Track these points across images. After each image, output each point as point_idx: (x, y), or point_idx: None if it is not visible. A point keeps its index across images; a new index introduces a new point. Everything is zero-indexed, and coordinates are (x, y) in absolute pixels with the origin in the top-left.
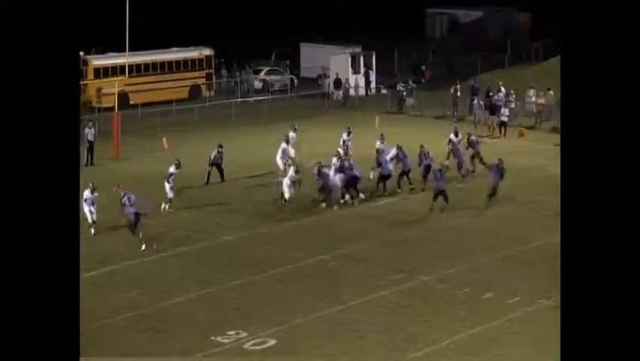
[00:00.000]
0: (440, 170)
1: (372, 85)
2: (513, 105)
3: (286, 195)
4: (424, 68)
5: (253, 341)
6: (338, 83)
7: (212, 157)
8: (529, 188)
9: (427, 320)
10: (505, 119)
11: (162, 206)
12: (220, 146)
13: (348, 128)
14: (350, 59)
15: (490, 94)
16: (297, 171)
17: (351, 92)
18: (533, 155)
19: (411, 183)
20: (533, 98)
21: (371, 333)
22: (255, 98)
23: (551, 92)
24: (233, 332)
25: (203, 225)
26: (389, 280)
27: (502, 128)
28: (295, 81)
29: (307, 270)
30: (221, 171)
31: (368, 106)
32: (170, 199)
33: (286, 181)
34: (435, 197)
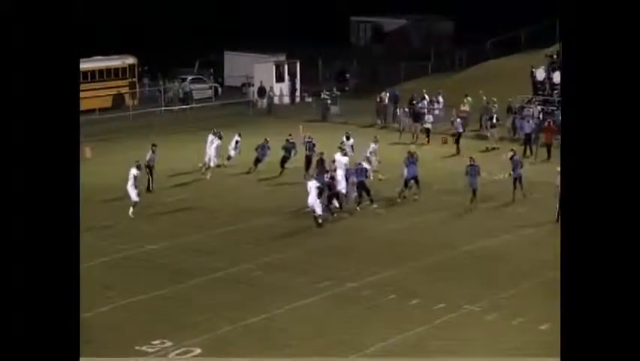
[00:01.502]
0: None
1: (297, 93)
2: (437, 112)
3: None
4: (347, 76)
5: (178, 351)
6: (262, 92)
7: (147, 159)
8: (456, 194)
9: (353, 326)
10: (429, 125)
11: (130, 210)
12: (154, 145)
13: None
14: (274, 67)
15: (414, 102)
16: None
17: (276, 100)
18: (459, 161)
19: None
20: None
21: (297, 341)
22: (178, 107)
23: (469, 98)
24: (158, 341)
25: (128, 233)
26: (315, 288)
27: (428, 135)
28: (219, 90)
29: (232, 279)
30: (151, 177)
31: (292, 114)
32: (135, 203)
33: None
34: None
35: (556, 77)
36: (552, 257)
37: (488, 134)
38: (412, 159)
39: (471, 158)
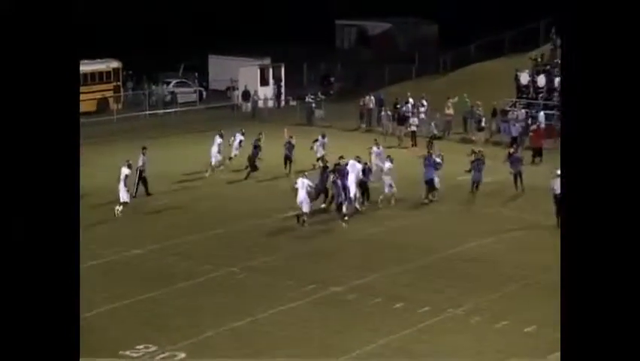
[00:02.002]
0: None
1: (282, 97)
2: (423, 115)
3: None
4: (332, 79)
5: (162, 355)
6: (247, 95)
7: (140, 163)
8: (441, 197)
9: (338, 330)
10: (414, 128)
11: (116, 210)
12: (144, 148)
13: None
14: (259, 71)
15: (398, 105)
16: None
17: (260, 104)
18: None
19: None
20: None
21: (282, 344)
22: (163, 111)
23: (455, 98)
24: (142, 346)
25: (114, 237)
26: (300, 292)
27: (414, 139)
28: (204, 93)
29: (217, 282)
30: (145, 183)
31: (277, 118)
32: (125, 203)
33: None
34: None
35: (541, 80)
36: (537, 260)
37: (474, 138)
38: (428, 161)
39: (475, 152)
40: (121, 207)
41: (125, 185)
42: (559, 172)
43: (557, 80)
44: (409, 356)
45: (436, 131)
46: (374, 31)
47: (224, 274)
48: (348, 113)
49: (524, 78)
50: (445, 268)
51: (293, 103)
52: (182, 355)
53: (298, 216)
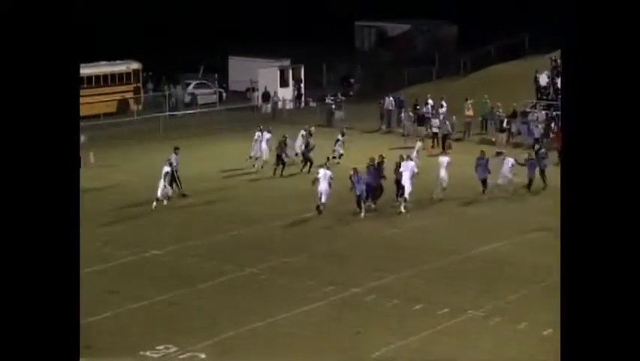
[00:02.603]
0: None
1: (302, 98)
2: (442, 117)
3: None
4: (352, 81)
5: (183, 356)
6: (266, 97)
7: (174, 162)
8: (459, 199)
9: (357, 331)
10: (435, 130)
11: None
12: (176, 148)
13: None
14: (279, 72)
15: (418, 107)
16: None
17: (280, 105)
18: (462, 166)
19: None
20: (467, 111)
21: (302, 345)
22: (183, 112)
23: (471, 101)
24: (162, 347)
25: (132, 238)
26: (320, 293)
27: (434, 140)
28: (224, 95)
29: (237, 283)
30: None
31: (297, 119)
32: (169, 196)
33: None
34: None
35: (561, 82)
36: (555, 262)
37: (493, 139)
38: (481, 161)
39: (482, 151)
40: (163, 201)
41: (165, 182)
42: None
43: None
44: (428, 357)
45: (450, 130)
46: (393, 32)
47: (245, 275)
48: (369, 115)
49: (543, 79)
50: (463, 270)
51: (313, 104)
52: (203, 355)
53: (318, 206)
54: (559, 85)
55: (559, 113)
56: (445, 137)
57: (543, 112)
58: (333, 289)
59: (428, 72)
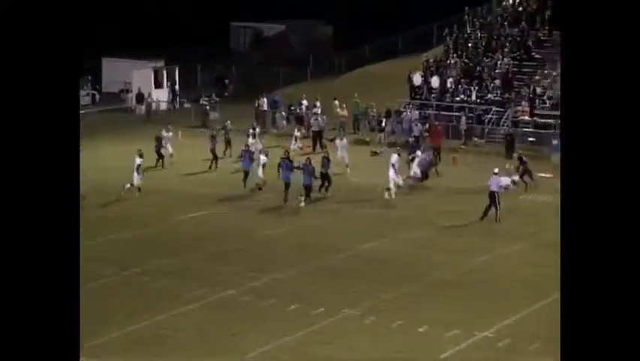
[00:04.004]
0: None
1: (176, 99)
2: (318, 118)
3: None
4: (227, 81)
5: None
6: (141, 98)
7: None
8: (339, 198)
9: (233, 332)
10: (316, 129)
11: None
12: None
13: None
14: (153, 73)
15: (292, 107)
16: None
17: (154, 106)
18: (338, 165)
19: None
20: (338, 110)
21: (178, 347)
22: None
23: (336, 102)
24: None
25: None
26: (197, 294)
27: (314, 140)
28: (97, 96)
29: (117, 285)
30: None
31: (172, 120)
32: (138, 187)
33: None
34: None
35: (434, 81)
36: (432, 259)
37: (367, 139)
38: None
39: (285, 152)
40: (129, 185)
41: (138, 172)
42: (496, 170)
43: (450, 80)
44: (304, 356)
45: (318, 128)
46: (269, 32)
47: (124, 277)
48: (244, 115)
49: (417, 79)
50: (343, 269)
51: (187, 105)
52: (82, 359)
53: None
54: (432, 84)
55: (434, 112)
56: (318, 135)
57: (416, 111)
58: (209, 290)
59: (303, 72)
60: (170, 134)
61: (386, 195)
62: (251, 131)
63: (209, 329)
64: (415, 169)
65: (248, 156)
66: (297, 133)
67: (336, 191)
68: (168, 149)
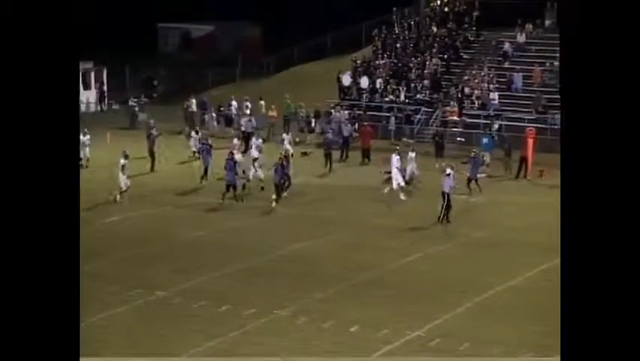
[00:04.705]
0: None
1: (105, 101)
2: (248, 118)
3: None
4: (155, 82)
5: None
6: None
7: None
8: (267, 200)
9: (162, 334)
10: (243, 129)
11: (115, 194)
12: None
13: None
14: (81, 75)
15: (222, 108)
16: None
17: (83, 108)
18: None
19: None
20: (263, 110)
21: (107, 350)
22: None
23: (262, 102)
24: None
25: None
26: (125, 297)
27: (246, 140)
28: None
29: None
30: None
31: (100, 122)
32: (124, 189)
33: None
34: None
35: (364, 81)
36: (359, 260)
37: (297, 139)
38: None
39: (230, 153)
40: (119, 194)
41: (124, 173)
42: (448, 171)
43: (379, 80)
44: (236, 359)
45: (250, 130)
46: (197, 33)
47: None
48: (173, 116)
49: (347, 80)
50: (273, 270)
51: (116, 107)
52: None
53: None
54: (362, 85)
55: (361, 112)
56: (249, 135)
57: (345, 112)
58: (138, 293)
59: (232, 73)
60: (88, 137)
61: (402, 196)
62: (193, 133)
63: (139, 331)
64: (399, 178)
65: (233, 164)
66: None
67: (261, 192)
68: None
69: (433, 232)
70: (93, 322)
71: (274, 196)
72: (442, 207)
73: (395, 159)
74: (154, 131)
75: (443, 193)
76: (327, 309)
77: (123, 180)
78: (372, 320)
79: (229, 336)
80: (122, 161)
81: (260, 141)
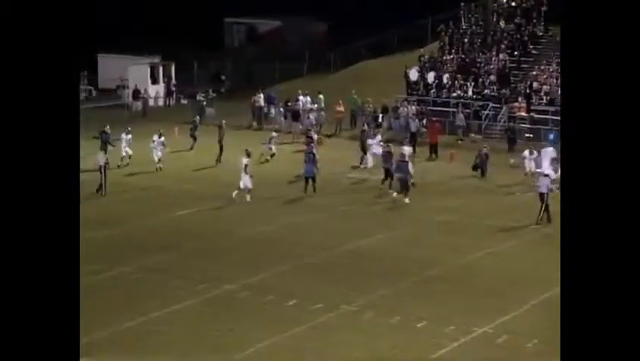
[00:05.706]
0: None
1: (173, 95)
2: (315, 114)
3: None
4: (223, 77)
5: None
6: (137, 94)
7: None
8: (334, 195)
9: (230, 328)
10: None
11: (243, 195)
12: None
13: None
14: (149, 69)
15: (289, 103)
16: None
17: (151, 102)
18: (337, 162)
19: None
20: (322, 105)
21: (174, 343)
22: None
23: (321, 96)
24: None
25: None
26: (192, 290)
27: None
28: (93, 92)
29: (108, 283)
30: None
31: (168, 116)
32: (250, 189)
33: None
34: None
35: (430, 76)
36: (424, 256)
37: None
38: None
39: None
40: (247, 194)
41: (246, 173)
42: (547, 172)
43: (446, 76)
44: (300, 353)
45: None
46: (263, 28)
47: (116, 274)
48: (240, 111)
49: (414, 75)
50: (339, 265)
51: (184, 101)
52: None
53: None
54: (429, 80)
55: (430, 107)
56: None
57: (413, 107)
58: (206, 287)
59: (299, 69)
60: (163, 138)
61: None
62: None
63: (206, 324)
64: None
65: (312, 157)
66: (273, 134)
67: (329, 187)
68: (158, 154)
69: (499, 227)
70: (158, 316)
71: (400, 192)
72: (541, 209)
73: (409, 151)
74: (224, 123)
75: (541, 194)
76: (394, 305)
77: (245, 180)
78: (438, 316)
79: (295, 331)
80: (245, 160)
81: (316, 136)
